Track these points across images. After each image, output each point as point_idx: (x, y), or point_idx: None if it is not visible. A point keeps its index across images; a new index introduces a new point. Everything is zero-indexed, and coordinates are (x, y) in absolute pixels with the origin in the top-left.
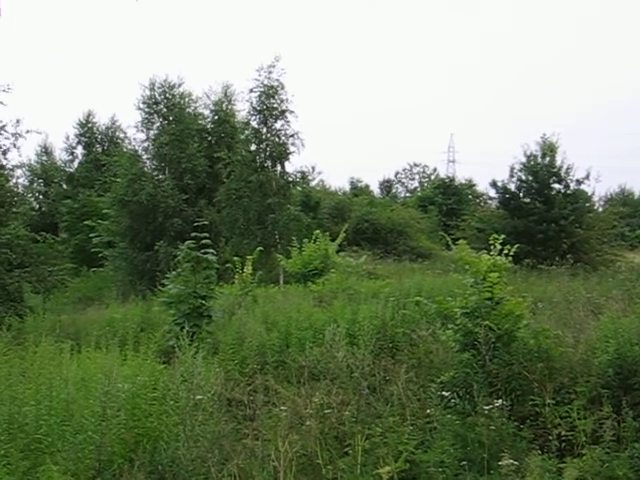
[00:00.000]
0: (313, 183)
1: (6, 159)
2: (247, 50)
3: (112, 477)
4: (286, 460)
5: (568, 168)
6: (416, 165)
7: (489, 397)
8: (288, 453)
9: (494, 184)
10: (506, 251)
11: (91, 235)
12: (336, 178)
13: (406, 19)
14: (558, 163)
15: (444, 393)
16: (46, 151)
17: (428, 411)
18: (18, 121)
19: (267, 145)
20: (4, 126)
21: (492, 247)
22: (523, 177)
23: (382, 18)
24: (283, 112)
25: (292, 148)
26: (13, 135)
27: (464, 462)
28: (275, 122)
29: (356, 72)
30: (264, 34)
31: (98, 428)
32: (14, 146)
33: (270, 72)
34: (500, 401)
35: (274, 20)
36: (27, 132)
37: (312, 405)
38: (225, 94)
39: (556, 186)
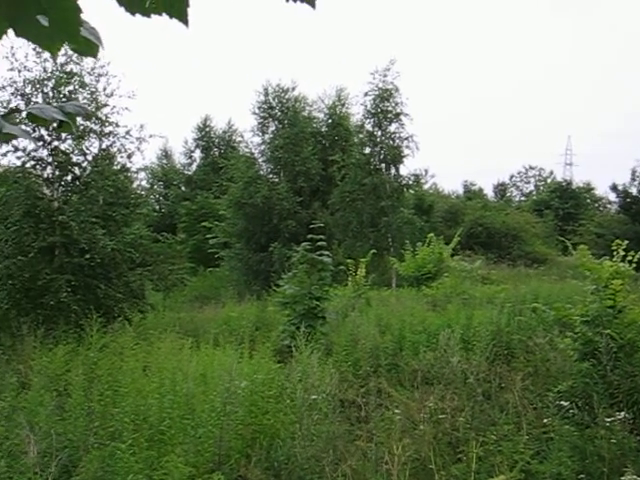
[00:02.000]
0: (426, 186)
1: (131, 162)
2: (356, 54)
3: (230, 471)
4: (399, 463)
5: None
6: (532, 168)
7: (610, 409)
8: (401, 457)
9: (614, 188)
10: (629, 258)
11: (208, 236)
12: (449, 181)
13: (516, 18)
14: None
15: (562, 403)
16: (166, 155)
17: (545, 421)
18: (142, 126)
19: (381, 148)
20: (129, 131)
21: (614, 253)
22: None
23: (492, 18)
24: (398, 115)
25: (406, 151)
26: (137, 139)
27: (582, 475)
28: (389, 125)
29: (470, 74)
30: (373, 35)
31: (218, 423)
32: (138, 150)
33: (385, 75)
34: (622, 414)
35: (383, 21)
36: (150, 136)
37: (425, 410)
38: (339, 97)
39: None
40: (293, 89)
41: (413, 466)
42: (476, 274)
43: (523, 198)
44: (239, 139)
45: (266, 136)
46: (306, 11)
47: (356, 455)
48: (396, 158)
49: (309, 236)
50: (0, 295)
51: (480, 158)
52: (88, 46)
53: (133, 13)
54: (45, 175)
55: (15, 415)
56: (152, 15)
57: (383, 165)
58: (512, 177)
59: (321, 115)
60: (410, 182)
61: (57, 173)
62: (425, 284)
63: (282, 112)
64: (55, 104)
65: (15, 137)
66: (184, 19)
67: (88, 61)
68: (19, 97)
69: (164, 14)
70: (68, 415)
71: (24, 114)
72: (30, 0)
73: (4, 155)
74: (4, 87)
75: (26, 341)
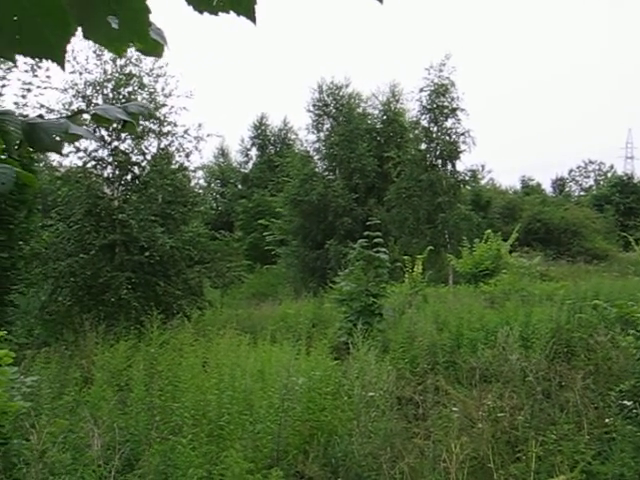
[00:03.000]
0: (483, 182)
1: (189, 161)
2: (408, 49)
3: (288, 467)
4: (457, 462)
5: None
6: (591, 162)
7: None
8: (459, 455)
9: None
10: None
11: (265, 233)
12: (506, 177)
13: (574, 12)
14: None
15: (625, 402)
16: (223, 153)
17: (607, 420)
18: (200, 125)
19: (437, 144)
20: (187, 130)
21: None
22: None
23: (544, 8)
24: (454, 110)
25: (463, 147)
26: (195, 138)
27: None
28: (445, 121)
29: (526, 67)
30: (424, 29)
31: (276, 419)
32: (196, 149)
33: (441, 70)
34: None
35: (435, 13)
36: (208, 135)
37: (484, 408)
38: (393, 94)
39: None
40: (347, 86)
41: (471, 465)
42: (535, 271)
43: (583, 193)
44: (294, 137)
45: (321, 133)
46: (360, 7)
47: (413, 453)
48: (452, 154)
49: (365, 233)
50: (63, 292)
51: (538, 153)
52: (154, 46)
53: (201, 11)
54: (105, 175)
55: (79, 409)
56: (219, 13)
57: (439, 161)
58: (571, 172)
59: (376, 111)
60: (467, 178)
61: (117, 173)
62: (483, 281)
63: (337, 109)
64: (118, 105)
65: (80, 138)
66: (252, 16)
67: (147, 62)
68: (80, 99)
69: (231, 12)
70: (130, 410)
71: (86, 115)
72: (100, 1)
73: (66, 156)
74: (66, 89)
75: (88, 337)
